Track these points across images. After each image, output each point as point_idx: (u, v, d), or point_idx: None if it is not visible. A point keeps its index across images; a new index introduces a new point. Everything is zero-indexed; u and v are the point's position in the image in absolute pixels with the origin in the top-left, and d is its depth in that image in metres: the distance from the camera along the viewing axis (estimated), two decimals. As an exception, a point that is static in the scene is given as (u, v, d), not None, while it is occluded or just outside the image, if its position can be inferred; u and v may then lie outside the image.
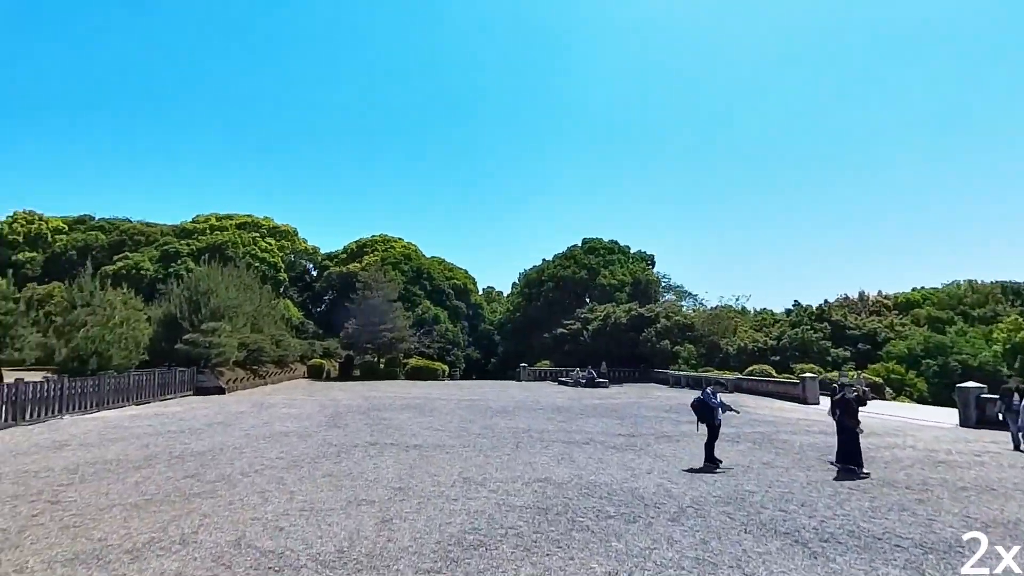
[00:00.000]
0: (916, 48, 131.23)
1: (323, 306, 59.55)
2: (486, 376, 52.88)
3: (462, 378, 48.87)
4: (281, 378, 33.91)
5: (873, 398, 24.44)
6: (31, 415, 14.72)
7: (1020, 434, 13.35)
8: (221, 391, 24.72)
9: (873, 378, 29.04)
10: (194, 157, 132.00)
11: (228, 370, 27.20)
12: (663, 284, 53.81)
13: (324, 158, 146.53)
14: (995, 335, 37.93)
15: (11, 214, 52.38)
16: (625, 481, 9.50)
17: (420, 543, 6.28)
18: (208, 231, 53.81)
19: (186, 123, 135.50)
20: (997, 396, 15.84)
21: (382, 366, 40.14)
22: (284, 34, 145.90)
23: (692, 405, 11.44)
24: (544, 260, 57.09)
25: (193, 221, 56.41)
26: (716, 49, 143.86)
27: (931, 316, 43.99)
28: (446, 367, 43.90)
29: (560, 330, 44.14)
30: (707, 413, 11.10)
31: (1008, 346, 36.04)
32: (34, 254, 49.55)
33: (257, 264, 49.56)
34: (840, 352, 36.25)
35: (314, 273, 63.51)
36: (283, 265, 56.25)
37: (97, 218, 57.55)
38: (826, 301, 44.76)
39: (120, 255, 49.52)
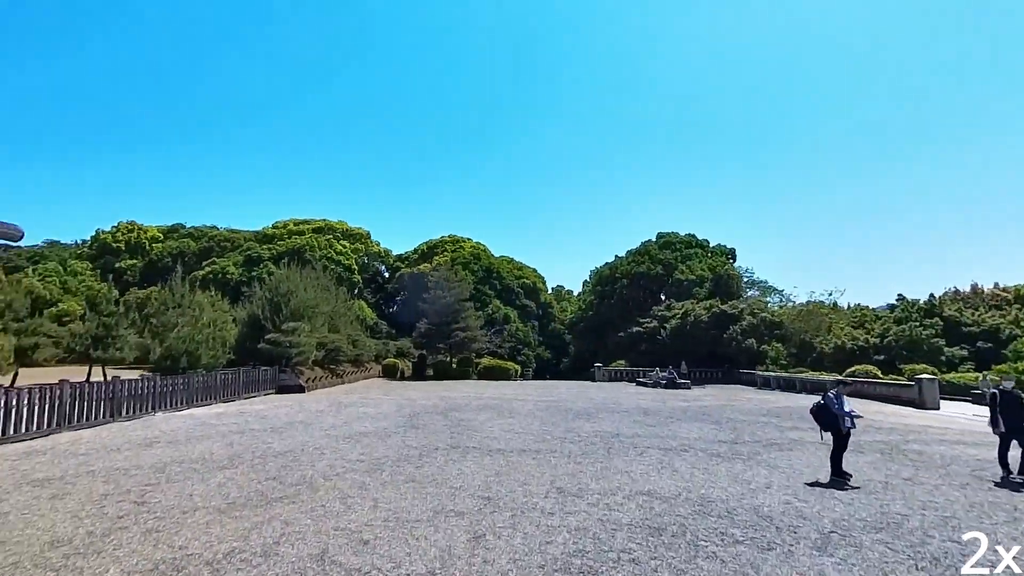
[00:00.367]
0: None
1: (395, 306, 60.58)
2: (558, 376, 51.83)
3: (534, 378, 48.05)
4: (357, 377, 34.39)
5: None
6: (127, 411, 15.17)
7: None
8: (301, 389, 25.13)
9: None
10: (274, 166, 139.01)
11: (308, 369, 27.71)
12: (745, 279, 50.70)
13: (395, 161, 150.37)
14: None
15: (115, 225, 56.89)
16: (743, 497, 8.27)
17: (521, 567, 5.43)
18: (287, 236, 56.02)
19: (266, 133, 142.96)
20: None
21: (455, 366, 40.00)
22: (359, 44, 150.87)
23: (813, 411, 9.99)
24: (616, 256, 55.31)
25: (273, 227, 58.98)
26: (802, 33, 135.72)
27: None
28: (518, 367, 43.25)
29: (635, 329, 42.41)
30: (831, 420, 9.62)
31: None
32: (134, 261, 53.51)
33: (333, 267, 50.99)
34: (956, 351, 32.46)
35: (386, 274, 64.83)
36: (357, 267, 57.68)
37: (188, 226, 61.49)
38: (933, 295, 40.47)
39: (208, 260, 52.48)
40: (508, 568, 5.41)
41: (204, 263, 52.50)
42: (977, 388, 23.68)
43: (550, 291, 70.07)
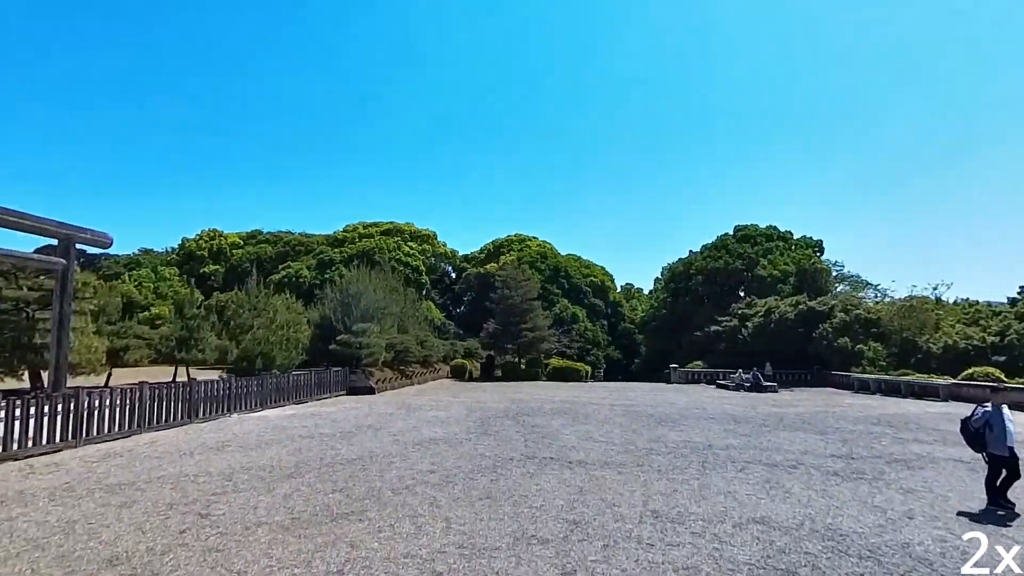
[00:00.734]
0: None
1: (462, 307, 60.68)
2: (630, 378, 49.99)
3: (605, 379, 46.47)
4: (426, 378, 34.27)
5: None
6: (203, 413, 15.31)
7: None
8: (371, 391, 25.07)
9: None
10: (345, 170, 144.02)
11: (378, 370, 27.71)
12: (835, 273, 46.86)
13: (460, 161, 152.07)
14: None
15: (199, 233, 60.44)
16: (882, 530, 6.84)
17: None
18: (357, 239, 57.32)
19: (337, 139, 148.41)
20: None
21: (523, 367, 39.21)
22: (421, 42, 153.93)
23: (963, 430, 8.33)
24: (690, 251, 52.73)
25: (344, 230, 60.56)
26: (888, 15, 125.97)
27: None
28: (588, 368, 41.92)
29: (713, 328, 40.01)
30: (995, 441, 7.90)
31: None
32: (217, 267, 56.49)
33: (401, 268, 51.58)
34: (1095, 351, 28.21)
35: (453, 275, 65.10)
36: (424, 268, 58.18)
37: (265, 232, 64.39)
38: (1062, 287, 35.65)
39: (284, 264, 54.52)
40: (611, 623, 4.40)
41: (280, 267, 54.60)
42: None
43: (619, 289, 68.08)
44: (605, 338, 56.88)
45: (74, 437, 11.62)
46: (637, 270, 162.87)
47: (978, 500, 8.18)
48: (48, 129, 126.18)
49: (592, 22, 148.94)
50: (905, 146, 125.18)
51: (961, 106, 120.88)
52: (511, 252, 58.79)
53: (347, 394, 24.32)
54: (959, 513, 7.65)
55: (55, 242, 19.75)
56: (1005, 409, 8.19)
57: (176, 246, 63.29)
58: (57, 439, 11.30)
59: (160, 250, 64.57)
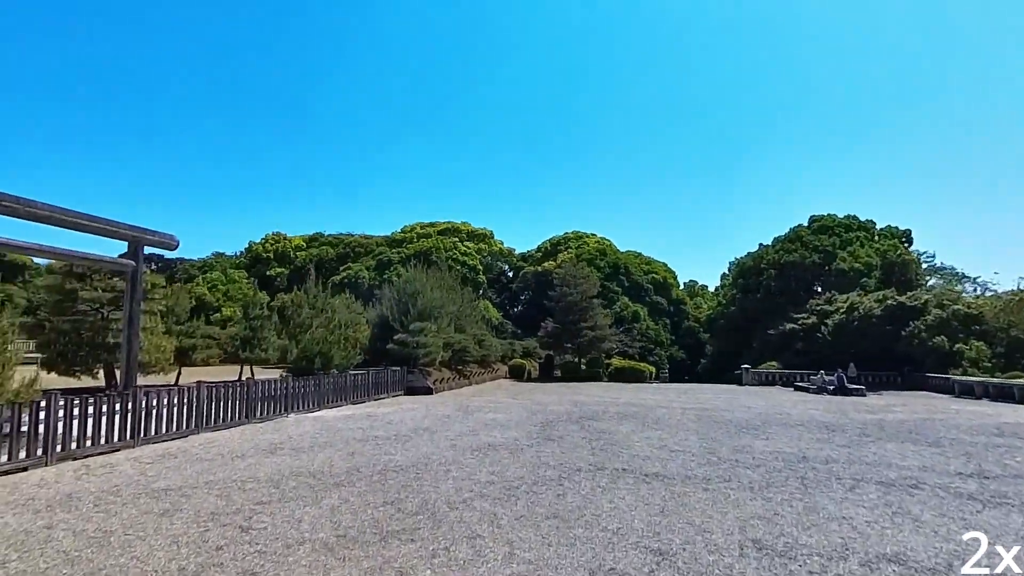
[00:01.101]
0: None
1: (519, 306, 59.90)
2: (696, 379, 47.67)
3: (670, 381, 44.35)
4: (484, 378, 33.63)
5: None
6: (260, 413, 15.09)
7: None
8: (429, 391, 24.59)
9: None
10: (402, 170, 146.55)
11: (435, 370, 27.25)
12: (925, 265, 42.78)
13: (516, 159, 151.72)
14: None
15: (264, 236, 62.66)
16: (1067, 577, 5.35)
17: None
18: (415, 239, 57.64)
19: (396, 140, 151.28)
20: None
21: (583, 367, 37.92)
22: (475, 42, 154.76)
23: None
24: (761, 245, 49.68)
25: (402, 231, 61.10)
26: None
27: None
28: (652, 368, 40.11)
29: (788, 326, 37.29)
30: None
31: None
32: (282, 269, 58.29)
33: (458, 267, 51.36)
34: None
35: (510, 274, 64.44)
36: (481, 267, 57.80)
37: (327, 234, 65.97)
38: None
39: (344, 266, 55.50)
40: None
41: (341, 268, 55.63)
42: None
43: (682, 287, 65.38)
44: (668, 337, 54.62)
45: (132, 437, 11.48)
46: (700, 266, 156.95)
47: None
48: (127, 139, 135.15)
49: (655, 16, 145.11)
50: (1002, 125, 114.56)
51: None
52: (568, 250, 57.48)
53: (405, 394, 23.93)
54: None
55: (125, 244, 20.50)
56: None
57: (244, 249, 65.99)
58: (116, 439, 11.18)
59: (231, 253, 67.63)
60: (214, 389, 13.71)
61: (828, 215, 47.35)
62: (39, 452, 9.78)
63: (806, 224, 47.53)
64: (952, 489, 8.65)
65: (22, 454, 9.52)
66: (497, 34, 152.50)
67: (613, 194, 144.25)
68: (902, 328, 32.03)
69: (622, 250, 60.54)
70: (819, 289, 41.43)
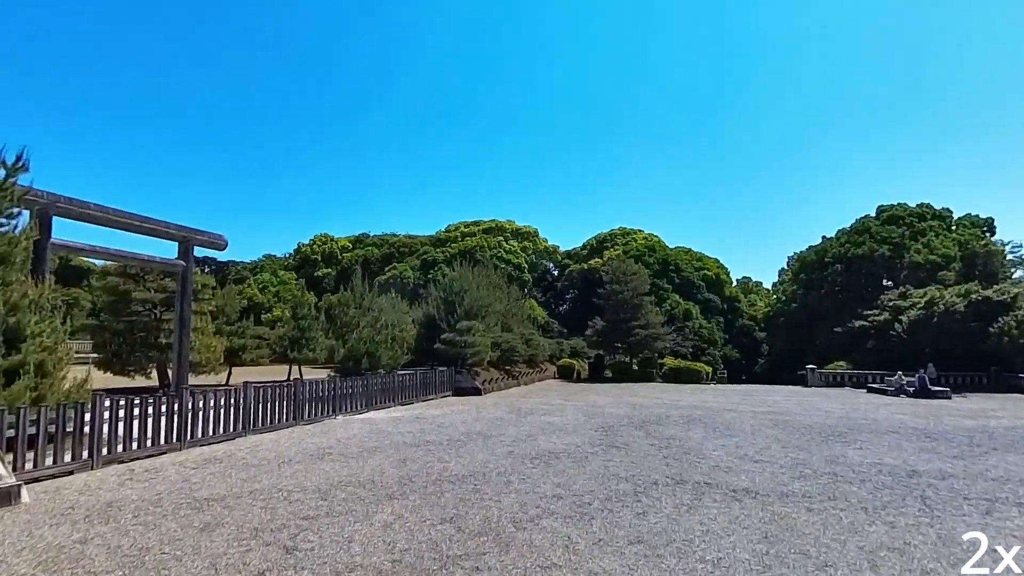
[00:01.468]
0: None
1: (565, 305, 58.73)
2: (753, 379, 45.38)
3: (729, 381, 42.14)
4: (532, 378, 32.71)
5: None
6: (308, 415, 14.62)
7: None
8: (478, 392, 23.84)
9: None
10: (447, 171, 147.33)
11: (483, 370, 26.52)
12: (1011, 256, 39.27)
13: (561, 157, 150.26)
14: None
15: (312, 238, 63.72)
16: None
17: None
18: (459, 238, 57.31)
19: (438, 139, 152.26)
20: None
21: (635, 367, 36.48)
22: (520, 39, 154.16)
23: None
24: (824, 238, 46.87)
25: (446, 230, 60.90)
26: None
27: None
28: (710, 369, 38.28)
29: (858, 323, 34.79)
30: None
31: None
32: (329, 270, 59.02)
33: (503, 266, 50.66)
34: None
35: (555, 272, 63.32)
36: (526, 265, 56.94)
37: (372, 235, 66.51)
38: None
39: (389, 266, 55.69)
40: None
41: (386, 268, 55.84)
42: None
43: (735, 283, 62.72)
44: (721, 336, 52.34)
45: (178, 439, 11.08)
46: (754, 263, 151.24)
47: None
48: (183, 146, 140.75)
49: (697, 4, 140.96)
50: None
51: None
52: (615, 246, 55.96)
53: (453, 395, 23.25)
54: None
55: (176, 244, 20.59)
56: None
57: (293, 251, 67.26)
58: (162, 441, 10.79)
59: (281, 255, 69.08)
60: (261, 390, 13.27)
61: (898, 204, 44.14)
62: (84, 455, 9.42)
63: (873, 215, 44.49)
64: (1119, 515, 7.16)
65: (67, 457, 9.17)
66: (542, 28, 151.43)
67: (661, 189, 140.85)
68: (989, 325, 29.27)
69: (671, 246, 58.53)
70: (889, 283, 38.59)
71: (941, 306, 30.36)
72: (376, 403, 17.81)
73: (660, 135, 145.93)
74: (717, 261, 58.45)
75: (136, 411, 10.36)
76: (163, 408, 10.85)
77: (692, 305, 50.83)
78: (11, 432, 8.61)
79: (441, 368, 23.65)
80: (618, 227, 59.99)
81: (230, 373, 25.04)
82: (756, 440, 12.39)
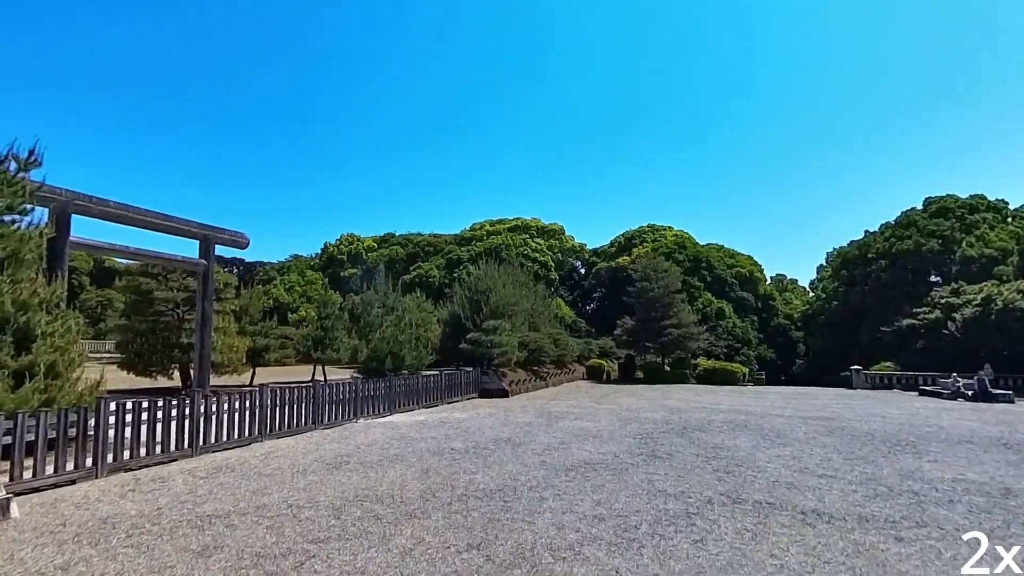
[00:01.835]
0: None
1: (592, 304, 57.52)
2: (792, 380, 43.53)
3: (767, 383, 40.27)
4: (561, 379, 31.70)
5: None
6: (328, 419, 13.95)
7: None
8: (505, 393, 22.97)
9: None
10: (470, 169, 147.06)
11: (510, 371, 25.65)
12: (1074, 249, 36.61)
13: (587, 154, 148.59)
14: None
15: (338, 237, 63.74)
16: None
17: None
18: (484, 236, 56.55)
19: (462, 138, 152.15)
20: None
21: (667, 367, 35.13)
22: (547, 36, 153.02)
23: None
24: (867, 232, 44.67)
25: (471, 229, 60.21)
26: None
27: None
28: (746, 370, 36.71)
29: (906, 321, 32.82)
30: None
31: None
32: (355, 270, 58.87)
33: (529, 264, 49.72)
34: None
35: (582, 271, 62.07)
36: (553, 264, 55.87)
37: (397, 234, 66.22)
38: None
39: (415, 265, 55.25)
40: None
41: (411, 268, 55.42)
42: None
43: (768, 281, 60.51)
44: (755, 336, 50.45)
45: (190, 446, 10.47)
46: (789, 259, 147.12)
47: None
48: (209, 147, 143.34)
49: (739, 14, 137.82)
50: None
51: None
52: (644, 243, 54.45)
53: (479, 397, 22.43)
54: None
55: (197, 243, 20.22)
56: None
57: (319, 251, 67.40)
58: (172, 447, 10.18)
59: (307, 255, 69.35)
60: (279, 393, 12.61)
61: (948, 196, 41.69)
62: (88, 463, 8.84)
63: (920, 207, 42.16)
64: None
65: (69, 466, 8.59)
66: (570, 24, 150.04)
67: (692, 185, 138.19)
68: (1052, 323, 27.21)
69: (702, 243, 56.75)
70: (937, 280, 36.43)
71: (999, 303, 28.32)
72: (399, 406, 17.08)
73: (690, 129, 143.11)
74: (750, 258, 56.45)
75: (145, 416, 9.75)
76: (173, 412, 10.23)
77: (725, 303, 49.11)
78: (7, 439, 8.07)
79: (467, 369, 22.86)
80: (647, 224, 58.46)
81: (254, 373, 24.68)
82: (813, 450, 11.22)
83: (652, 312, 35.17)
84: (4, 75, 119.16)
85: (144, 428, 9.71)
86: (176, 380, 20.90)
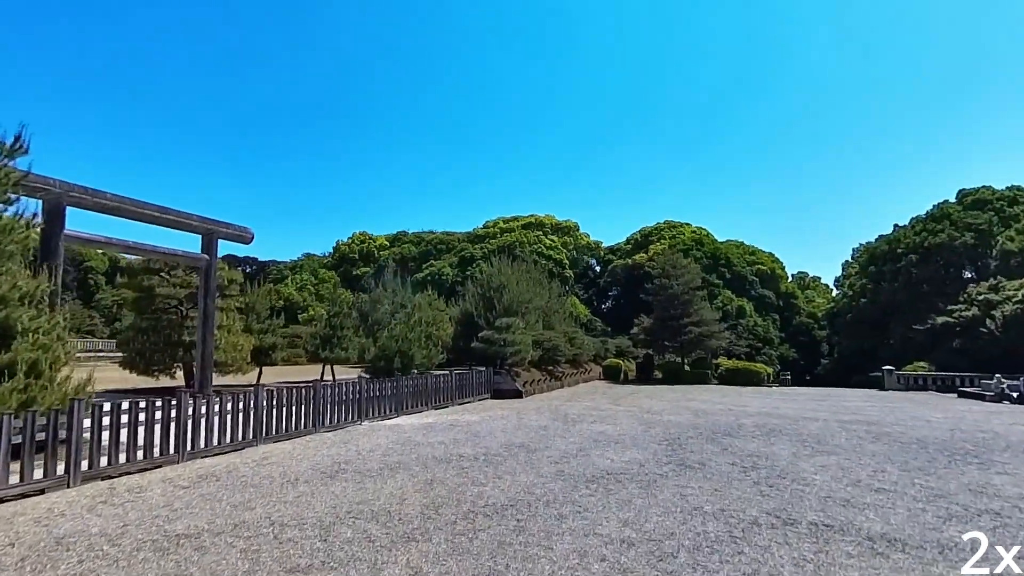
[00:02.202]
0: None
1: (608, 302, 56.32)
2: (816, 381, 41.94)
3: (793, 384, 38.60)
4: (576, 379, 30.66)
5: None
6: (329, 421, 13.10)
7: None
8: (519, 394, 22.01)
9: None
10: (483, 166, 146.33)
11: (524, 370, 24.69)
12: (1120, 243, 34.70)
13: (602, 149, 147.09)
14: None
15: (350, 236, 63.27)
16: None
17: None
18: (498, 234, 55.63)
19: (475, 135, 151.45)
20: None
21: (687, 367, 33.88)
22: (560, 30, 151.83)
23: None
24: (896, 227, 42.96)
25: (484, 227, 59.32)
26: None
27: None
28: (770, 370, 35.32)
29: (941, 319, 31.24)
30: None
31: None
32: (367, 268, 58.29)
33: (543, 262, 48.70)
34: None
35: (597, 269, 60.87)
36: (567, 261, 54.76)
37: (410, 233, 65.58)
38: None
39: (427, 263, 54.52)
40: None
41: (423, 266, 54.69)
42: None
43: (790, 278, 58.78)
44: (777, 335, 48.90)
45: (177, 451, 9.63)
46: (810, 257, 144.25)
47: None
48: (229, 147, 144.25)
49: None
50: None
51: None
52: (661, 240, 53.13)
53: (491, 397, 21.49)
54: None
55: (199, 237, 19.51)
56: None
57: (332, 250, 67.01)
58: (157, 453, 9.34)
59: (320, 254, 69.01)
60: (276, 394, 11.77)
61: (984, 187, 39.85)
62: (59, 471, 8.03)
63: (954, 200, 40.35)
64: None
65: (38, 474, 7.78)
66: (581, 18, 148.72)
67: (709, 181, 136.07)
68: (1102, 320, 25.55)
69: (720, 240, 55.25)
70: (972, 275, 34.73)
71: (1043, 299, 26.71)
72: (407, 407, 16.19)
73: (707, 123, 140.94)
74: (772, 255, 54.81)
75: (125, 418, 8.94)
76: (157, 415, 9.40)
77: (745, 301, 47.66)
78: (-34, 445, 7.28)
79: (479, 368, 21.94)
80: (663, 220, 57.13)
81: (260, 373, 23.97)
82: (862, 460, 10.09)
83: (671, 310, 33.95)
84: (20, 66, 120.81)
85: (125, 432, 8.89)
86: (179, 379, 20.22)
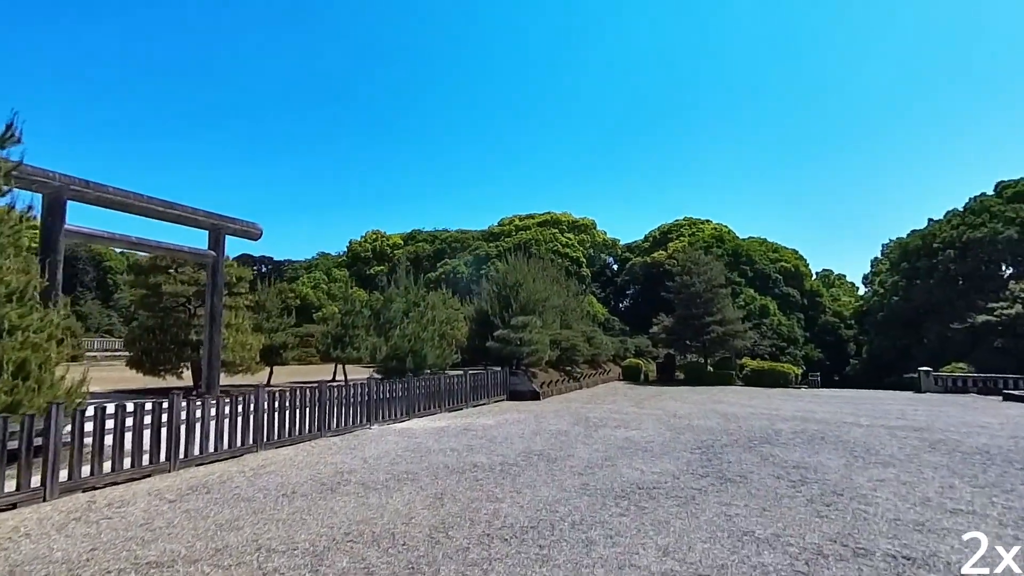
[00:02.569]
0: None
1: (626, 300, 55.15)
2: (845, 382, 40.40)
3: (823, 385, 37.04)
4: (595, 380, 29.67)
5: None
6: (336, 424, 12.34)
7: None
8: (536, 396, 21.11)
9: None
10: (498, 163, 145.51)
11: (541, 371, 23.78)
12: None
13: (620, 145, 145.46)
14: None
15: (364, 234, 62.85)
16: None
17: None
18: (513, 232, 54.75)
19: (489, 132, 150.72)
20: None
21: (711, 368, 32.68)
22: (584, 27, 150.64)
23: None
24: (931, 221, 41.18)
25: (499, 224, 58.44)
26: None
27: None
28: (798, 371, 33.97)
29: (981, 317, 29.67)
30: None
31: None
32: (380, 267, 57.82)
33: (560, 260, 47.72)
34: None
35: (615, 267, 59.68)
36: (584, 259, 53.69)
37: (424, 231, 64.99)
38: None
39: (441, 262, 53.82)
40: None
41: (438, 265, 54.01)
42: None
43: (815, 276, 57.02)
44: (802, 334, 47.33)
45: (168, 458, 8.91)
46: (835, 254, 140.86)
47: None
48: (245, 147, 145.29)
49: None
50: None
51: None
52: (681, 237, 51.83)
53: (507, 399, 20.63)
54: None
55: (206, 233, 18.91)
56: None
57: (345, 248, 66.70)
58: (146, 460, 8.63)
59: (334, 253, 68.73)
60: (278, 396, 11.02)
61: (1024, 179, 38.03)
62: (34, 483, 7.32)
63: (992, 192, 38.53)
64: None
65: (9, 486, 7.07)
66: (600, 11, 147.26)
67: (730, 177, 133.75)
68: None
69: (742, 237, 53.73)
70: (1013, 271, 33.02)
71: (1093, 296, 25.09)
72: (419, 409, 15.39)
73: (727, 116, 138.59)
74: (795, 252, 53.16)
75: (111, 423, 8.23)
76: (147, 420, 8.68)
77: (768, 300, 46.19)
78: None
79: (495, 368, 21.10)
80: (683, 217, 55.75)
81: (271, 372, 23.41)
82: (924, 472, 9.02)
83: (693, 308, 32.75)
84: (44, 66, 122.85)
85: (110, 438, 8.18)
86: (187, 379, 19.67)
